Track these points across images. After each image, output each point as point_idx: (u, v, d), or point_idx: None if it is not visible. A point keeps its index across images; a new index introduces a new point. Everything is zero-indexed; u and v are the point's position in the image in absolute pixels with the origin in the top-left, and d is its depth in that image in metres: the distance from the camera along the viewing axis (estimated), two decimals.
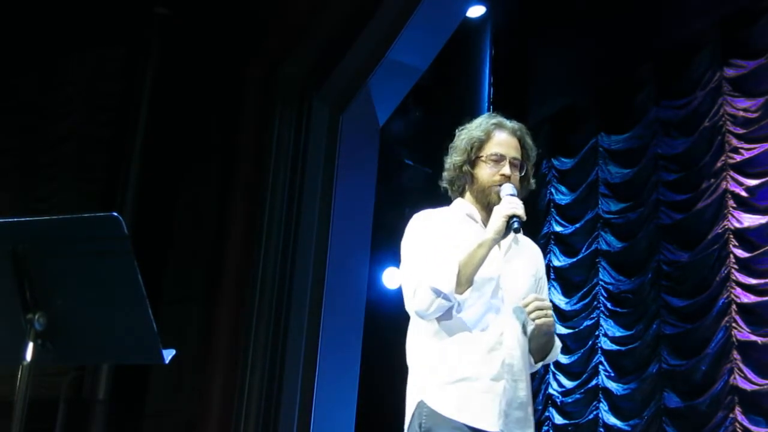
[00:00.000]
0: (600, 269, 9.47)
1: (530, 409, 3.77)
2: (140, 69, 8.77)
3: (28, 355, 2.80)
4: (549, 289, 9.55)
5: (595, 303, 9.40)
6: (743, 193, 8.32)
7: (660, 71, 9.30)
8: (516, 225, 3.59)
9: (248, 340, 7.71)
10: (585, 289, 9.55)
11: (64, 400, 7.91)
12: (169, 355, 2.97)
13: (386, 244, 8.65)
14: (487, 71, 9.78)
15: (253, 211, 7.99)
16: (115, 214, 2.75)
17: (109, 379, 8.04)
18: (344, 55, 8.12)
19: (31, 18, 8.86)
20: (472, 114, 9.82)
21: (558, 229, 9.95)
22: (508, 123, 3.91)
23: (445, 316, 3.62)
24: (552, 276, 9.80)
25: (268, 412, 7.60)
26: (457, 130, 3.98)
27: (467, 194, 3.88)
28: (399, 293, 9.64)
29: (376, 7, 7.87)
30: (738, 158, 8.42)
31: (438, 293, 3.54)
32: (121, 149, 8.67)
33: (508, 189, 3.70)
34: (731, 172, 8.44)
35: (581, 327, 9.45)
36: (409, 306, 3.64)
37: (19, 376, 2.80)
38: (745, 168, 8.35)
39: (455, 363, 3.61)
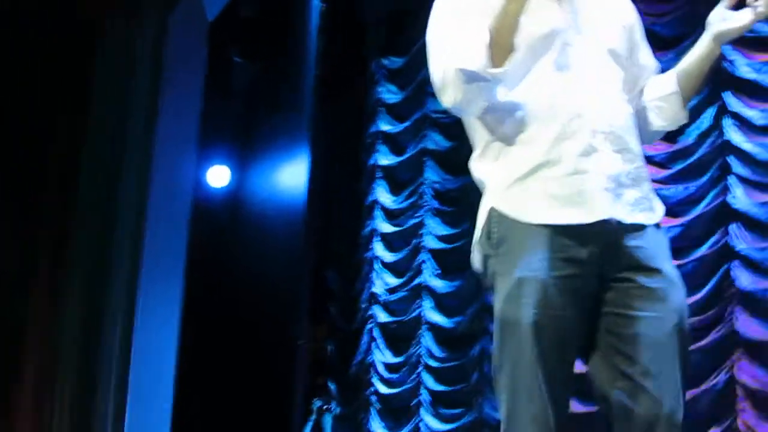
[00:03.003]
0: (427, 168, 9.51)
1: (649, 188, 2.91)
2: None
3: None
4: (375, 188, 9.74)
5: (421, 201, 9.45)
6: None
7: None
8: None
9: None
10: (412, 188, 9.58)
11: None
12: None
13: (213, 142, 8.56)
14: None
15: (80, 109, 7.77)
16: None
17: None
18: None
19: None
20: (304, 11, 9.71)
21: (386, 128, 9.92)
22: None
23: (493, 101, 2.85)
24: (379, 174, 9.81)
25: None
26: None
27: None
28: (226, 192, 9.61)
29: None
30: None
31: (469, 76, 2.77)
32: None
33: None
34: None
35: (407, 225, 9.49)
36: (443, 101, 2.89)
37: None
38: None
39: (524, 151, 2.84)
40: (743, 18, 2.88)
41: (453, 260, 9.03)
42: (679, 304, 2.79)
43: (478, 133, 2.99)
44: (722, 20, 2.92)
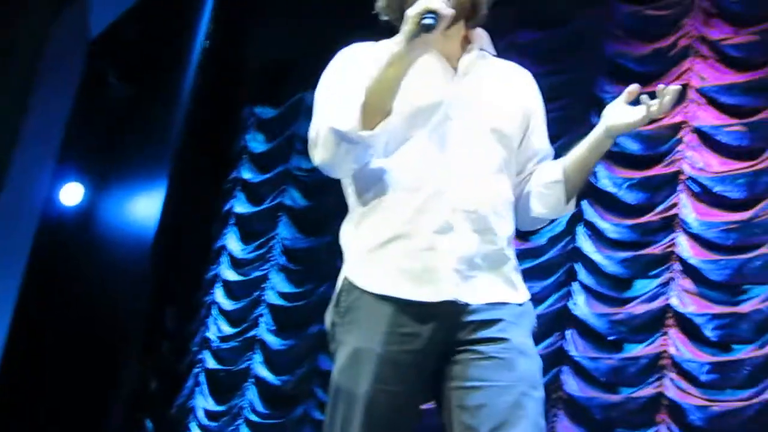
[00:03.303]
0: (280, 223, 9.52)
1: (511, 271, 2.85)
2: None
3: None
4: (226, 234, 9.69)
5: (270, 255, 9.45)
6: None
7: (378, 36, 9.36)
8: (429, 21, 2.64)
9: None
10: (263, 239, 9.57)
11: None
12: None
13: (74, 160, 8.43)
14: (208, 4, 9.61)
15: None
16: None
17: None
18: None
19: None
20: (187, 44, 9.65)
21: (247, 176, 9.91)
22: None
23: (361, 164, 2.81)
24: (232, 221, 9.78)
25: None
26: None
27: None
28: (77, 211, 9.41)
29: None
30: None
31: (339, 136, 2.71)
32: None
33: None
34: None
35: (251, 276, 9.47)
36: (313, 159, 2.83)
37: None
38: None
39: (382, 219, 2.79)
40: (636, 114, 2.86)
41: (291, 319, 9.03)
42: (528, 372, 2.70)
43: (348, 196, 2.95)
44: (616, 114, 2.88)
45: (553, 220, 3.33)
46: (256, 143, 10.01)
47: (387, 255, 2.75)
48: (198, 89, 9.53)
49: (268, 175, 9.78)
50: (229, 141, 10.12)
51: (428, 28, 2.64)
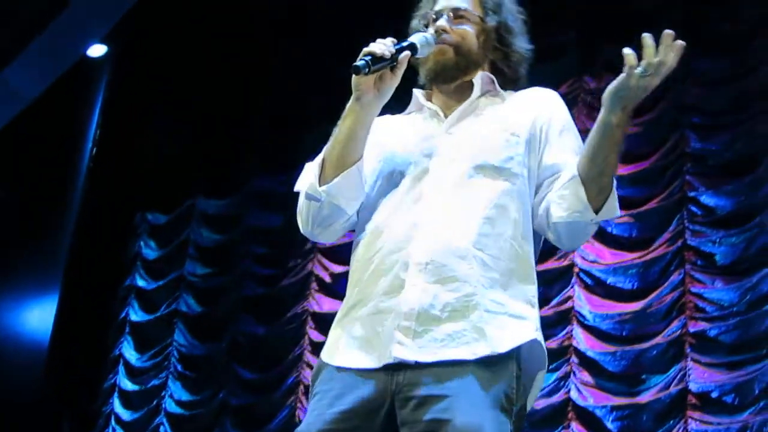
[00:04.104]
0: (176, 330, 9.39)
1: (480, 318, 2.54)
2: None
3: None
4: (122, 343, 9.52)
5: (166, 363, 9.29)
6: (327, 279, 8.58)
7: (267, 143, 9.42)
8: (358, 62, 2.56)
9: None
10: (158, 348, 9.42)
11: None
12: None
13: None
14: (97, 111, 9.57)
15: None
16: None
17: None
18: None
19: None
20: (77, 150, 9.56)
21: (141, 283, 9.80)
22: None
23: (330, 222, 2.73)
24: (128, 330, 9.62)
25: None
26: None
27: None
28: None
29: None
30: (327, 243, 8.65)
31: (305, 195, 2.69)
32: None
33: (418, 36, 2.76)
34: (319, 255, 8.69)
35: (149, 385, 9.30)
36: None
37: None
38: (332, 254, 8.59)
39: (349, 288, 2.70)
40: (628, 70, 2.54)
41: (189, 427, 8.87)
42: None
43: None
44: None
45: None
46: (149, 250, 9.92)
47: (345, 325, 2.64)
48: (88, 196, 9.45)
49: (161, 282, 9.67)
50: (121, 248, 10.01)
51: (356, 70, 2.56)
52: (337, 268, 8.46)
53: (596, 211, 2.63)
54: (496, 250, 2.61)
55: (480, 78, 2.86)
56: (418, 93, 2.91)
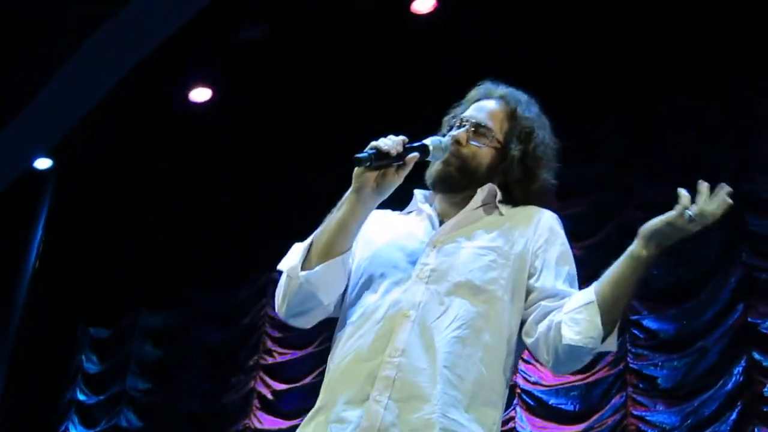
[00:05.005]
0: None
1: None
2: None
3: None
4: None
5: None
6: (269, 396, 8.49)
7: (209, 259, 9.37)
8: (360, 154, 2.54)
9: None
10: None
11: None
12: None
13: None
14: (41, 224, 9.52)
15: None
16: None
17: None
18: None
19: None
20: (20, 266, 9.50)
21: (81, 397, 9.66)
22: (496, 88, 2.95)
23: (313, 309, 2.68)
24: None
25: None
26: None
27: None
28: None
29: None
30: (270, 360, 8.60)
31: (285, 275, 2.63)
32: None
33: (434, 138, 2.73)
34: (261, 373, 8.60)
35: None
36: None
37: None
38: (274, 371, 8.52)
39: (322, 390, 2.62)
40: (673, 212, 2.55)
41: None
42: None
43: None
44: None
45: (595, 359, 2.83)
46: (90, 364, 9.82)
47: (309, 429, 2.53)
48: (30, 309, 9.36)
49: (102, 397, 9.56)
50: (63, 361, 9.90)
51: (357, 162, 2.53)
52: (279, 386, 8.40)
53: (602, 341, 2.58)
54: (463, 370, 2.53)
55: (482, 190, 2.81)
56: (418, 194, 2.89)
